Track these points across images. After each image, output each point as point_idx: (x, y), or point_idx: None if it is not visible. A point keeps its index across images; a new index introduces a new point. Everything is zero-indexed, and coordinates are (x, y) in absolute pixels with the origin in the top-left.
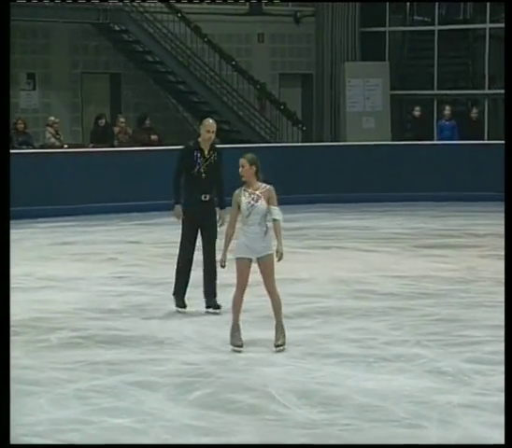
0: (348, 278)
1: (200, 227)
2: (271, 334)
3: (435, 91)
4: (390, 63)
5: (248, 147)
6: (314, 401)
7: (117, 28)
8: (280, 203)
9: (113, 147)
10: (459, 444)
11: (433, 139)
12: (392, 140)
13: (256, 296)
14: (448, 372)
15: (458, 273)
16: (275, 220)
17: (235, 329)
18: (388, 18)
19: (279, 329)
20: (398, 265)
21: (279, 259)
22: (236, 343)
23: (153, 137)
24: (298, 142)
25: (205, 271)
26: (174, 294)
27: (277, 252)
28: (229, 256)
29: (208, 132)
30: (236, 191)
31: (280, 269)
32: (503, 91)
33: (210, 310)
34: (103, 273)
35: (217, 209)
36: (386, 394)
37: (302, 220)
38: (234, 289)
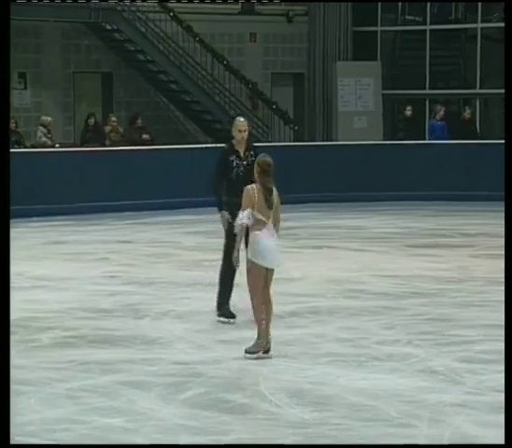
0: (340, 278)
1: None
2: None
3: (427, 91)
4: (381, 62)
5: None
6: (306, 401)
7: (109, 27)
8: None
9: (105, 146)
10: (459, 444)
11: (424, 139)
12: (384, 140)
13: (246, 296)
14: (440, 372)
15: (450, 272)
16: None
17: (262, 337)
18: (380, 17)
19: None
20: (390, 264)
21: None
22: (259, 349)
23: (145, 136)
24: (290, 141)
25: (232, 279)
26: (218, 305)
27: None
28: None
29: (240, 131)
30: (248, 187)
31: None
32: (494, 91)
33: (222, 319)
34: (95, 273)
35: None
36: (377, 393)
37: (294, 220)
38: (250, 298)
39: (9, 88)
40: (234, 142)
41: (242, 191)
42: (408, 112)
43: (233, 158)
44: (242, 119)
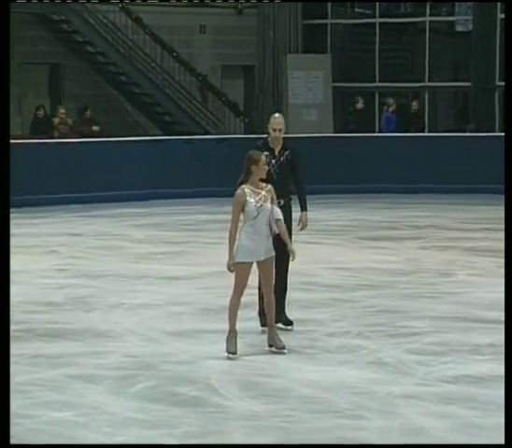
0: (291, 270)
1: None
2: (212, 326)
3: (377, 84)
4: (331, 55)
5: (191, 138)
6: (256, 393)
7: (56, 18)
8: (222, 195)
9: (53, 138)
10: (460, 444)
11: (375, 131)
12: (335, 132)
13: (198, 289)
14: (390, 363)
15: (399, 264)
16: (278, 220)
17: (232, 336)
18: (330, 10)
19: (275, 331)
20: (341, 257)
21: (293, 259)
22: (231, 349)
23: (94, 128)
24: (240, 133)
25: (275, 282)
26: (259, 314)
27: (290, 252)
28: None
29: (275, 130)
30: (239, 191)
31: (222, 261)
32: (443, 84)
33: (280, 325)
34: (44, 266)
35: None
36: (328, 385)
37: None
38: (231, 294)
39: (9, 84)
40: (269, 139)
41: (277, 192)
42: (360, 105)
43: (267, 154)
44: (278, 116)
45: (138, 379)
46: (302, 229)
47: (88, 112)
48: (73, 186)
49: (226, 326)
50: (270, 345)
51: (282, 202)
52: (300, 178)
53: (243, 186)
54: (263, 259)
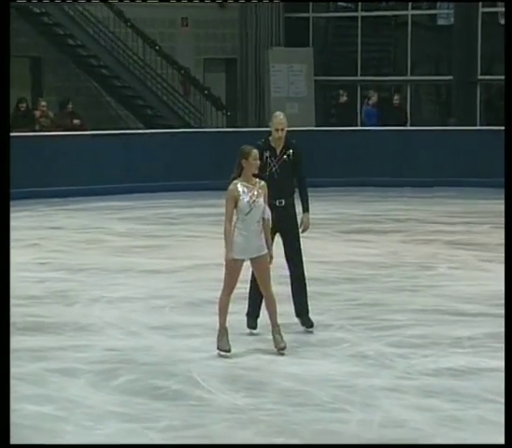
0: (272, 263)
1: (278, 236)
2: (193, 319)
3: (359, 77)
4: (313, 48)
5: (173, 131)
6: (238, 386)
7: (37, 10)
8: (205, 188)
9: (34, 131)
10: (460, 444)
11: (356, 125)
12: (316, 126)
13: (179, 282)
14: (371, 356)
15: (381, 257)
16: (264, 220)
17: (223, 333)
18: (311, 4)
19: (278, 331)
20: (322, 250)
21: (271, 264)
22: (224, 347)
23: (75, 121)
24: (222, 127)
25: (292, 285)
26: (247, 315)
27: (269, 256)
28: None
29: (277, 130)
30: (231, 186)
31: (204, 255)
32: (425, 78)
33: (305, 328)
34: (24, 259)
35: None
36: (309, 378)
37: (224, 206)
38: (221, 291)
39: (9, 81)
40: (270, 138)
41: (277, 192)
42: (343, 98)
43: (267, 154)
44: (278, 114)
45: (119, 372)
46: (303, 231)
47: (69, 105)
48: (54, 179)
49: (207, 319)
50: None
51: (283, 202)
52: (303, 179)
53: (235, 181)
54: (255, 256)
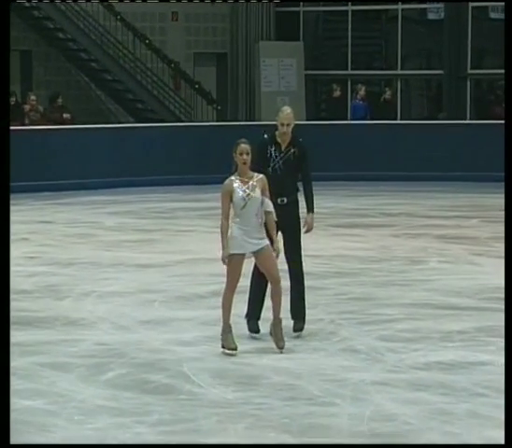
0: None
1: (280, 234)
2: (184, 314)
3: (349, 72)
4: (304, 42)
5: (163, 125)
6: (228, 381)
7: (27, 4)
8: (194, 182)
9: (24, 125)
10: (460, 444)
11: (347, 119)
12: (307, 120)
13: (170, 276)
14: (362, 350)
15: (371, 252)
16: (269, 213)
17: (227, 331)
18: None
19: (279, 325)
20: (312, 244)
21: (277, 257)
22: (230, 346)
23: (65, 115)
24: (213, 121)
25: (291, 287)
26: (246, 316)
27: (275, 250)
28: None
29: (283, 125)
30: (226, 181)
31: (195, 249)
32: (415, 72)
33: (296, 334)
34: (15, 254)
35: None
36: (300, 372)
37: (214, 200)
38: (224, 287)
39: (9, 78)
40: (277, 133)
41: (279, 188)
42: (337, 92)
43: (272, 150)
44: (285, 109)
45: (110, 367)
46: (307, 231)
47: (59, 99)
48: (44, 173)
49: (198, 314)
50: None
51: (285, 200)
52: (308, 177)
53: (231, 177)
54: (255, 249)
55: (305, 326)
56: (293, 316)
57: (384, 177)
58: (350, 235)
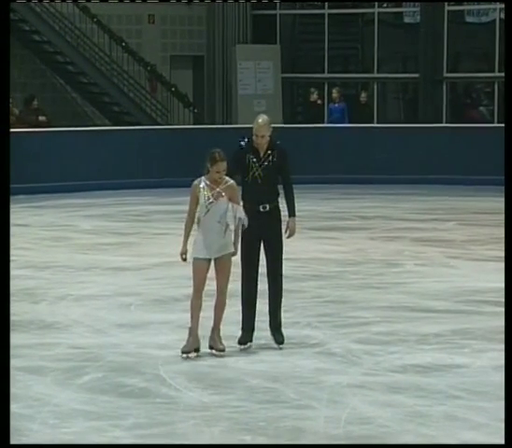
0: (239, 261)
1: (262, 243)
2: (160, 317)
3: (326, 75)
4: (281, 46)
5: (139, 129)
6: (205, 384)
7: None
8: (171, 185)
9: None
10: (460, 444)
11: (324, 122)
12: (284, 123)
13: (146, 279)
14: (338, 353)
15: (348, 255)
16: (239, 219)
17: (190, 334)
18: (279, 1)
19: (217, 334)
20: (289, 247)
21: (234, 254)
22: (184, 349)
23: (41, 118)
24: (189, 124)
25: (269, 297)
26: (242, 329)
27: (234, 252)
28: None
29: (257, 136)
30: (195, 182)
31: (171, 252)
32: (391, 75)
33: (275, 345)
34: None
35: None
36: (276, 375)
37: None
38: (191, 292)
39: (9, 81)
40: (254, 138)
41: (260, 197)
42: (314, 96)
43: (251, 157)
44: (261, 121)
45: (85, 370)
46: (289, 236)
47: (35, 102)
48: (19, 176)
49: (174, 317)
50: (210, 347)
51: (267, 207)
52: (288, 182)
53: (202, 177)
54: (216, 256)
55: (282, 328)
56: (270, 326)
57: (360, 180)
58: (327, 238)
